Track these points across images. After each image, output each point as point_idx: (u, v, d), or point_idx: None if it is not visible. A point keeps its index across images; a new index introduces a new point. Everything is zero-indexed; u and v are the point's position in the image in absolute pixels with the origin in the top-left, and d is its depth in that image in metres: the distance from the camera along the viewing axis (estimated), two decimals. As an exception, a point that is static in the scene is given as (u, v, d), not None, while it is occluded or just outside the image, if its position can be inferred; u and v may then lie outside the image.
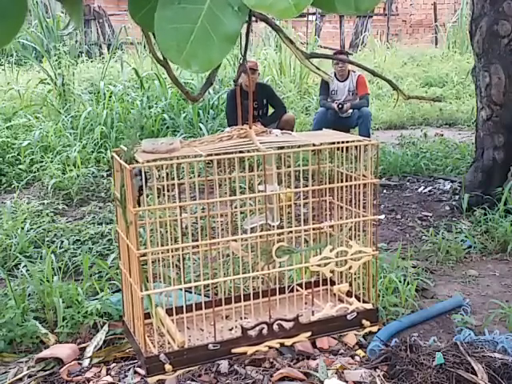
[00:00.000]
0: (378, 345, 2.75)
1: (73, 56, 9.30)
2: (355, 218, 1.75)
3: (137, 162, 1.44)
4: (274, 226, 1.71)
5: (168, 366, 1.52)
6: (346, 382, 2.56)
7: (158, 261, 1.67)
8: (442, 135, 7.78)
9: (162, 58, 1.19)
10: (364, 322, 1.73)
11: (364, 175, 1.71)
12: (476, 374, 2.50)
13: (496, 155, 4.70)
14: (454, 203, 5.03)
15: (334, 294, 1.84)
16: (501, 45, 4.57)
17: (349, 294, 1.81)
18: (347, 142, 1.68)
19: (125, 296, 1.72)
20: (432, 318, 3.14)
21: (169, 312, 1.69)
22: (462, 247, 4.03)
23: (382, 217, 4.82)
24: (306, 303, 1.83)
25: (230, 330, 1.74)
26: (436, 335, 2.95)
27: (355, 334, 2.87)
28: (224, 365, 2.66)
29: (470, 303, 3.29)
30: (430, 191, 5.56)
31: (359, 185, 1.72)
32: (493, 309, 3.18)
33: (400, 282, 3.24)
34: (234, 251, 1.75)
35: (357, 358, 2.75)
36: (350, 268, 1.70)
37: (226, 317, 1.79)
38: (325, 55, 2.16)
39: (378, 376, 2.58)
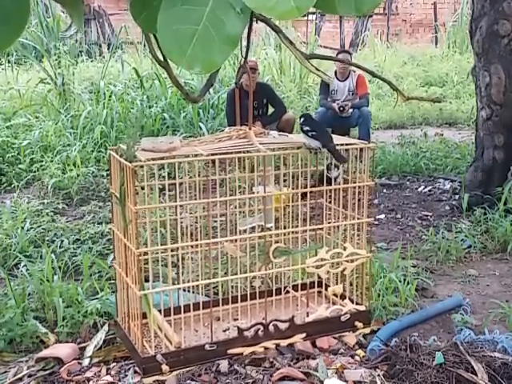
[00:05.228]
0: (378, 344, 2.75)
1: (73, 55, 9.29)
2: (350, 220, 1.76)
3: (138, 160, 1.44)
4: (268, 228, 1.71)
5: (165, 367, 1.52)
6: (346, 381, 2.56)
7: (157, 260, 1.67)
8: (442, 135, 7.78)
9: (162, 59, 1.19)
10: (357, 323, 1.74)
11: (360, 178, 1.71)
12: (476, 374, 2.49)
13: (496, 155, 4.69)
14: (453, 203, 5.03)
15: (327, 297, 1.84)
16: (501, 44, 4.56)
17: (343, 296, 1.82)
18: (342, 145, 1.69)
19: (119, 296, 1.72)
20: (432, 317, 3.14)
21: (164, 312, 1.69)
22: (461, 247, 4.03)
23: (382, 216, 4.83)
24: (300, 305, 1.84)
25: (224, 331, 1.74)
26: (436, 335, 2.95)
27: (355, 334, 2.87)
28: (224, 364, 2.66)
29: (469, 303, 3.29)
30: (429, 191, 5.56)
31: (355, 187, 1.72)
32: (493, 308, 3.18)
33: (400, 281, 3.24)
34: (228, 252, 1.75)
35: (357, 358, 2.74)
36: (345, 270, 1.70)
37: (221, 318, 1.79)
38: (324, 56, 2.15)
39: (378, 376, 2.58)
